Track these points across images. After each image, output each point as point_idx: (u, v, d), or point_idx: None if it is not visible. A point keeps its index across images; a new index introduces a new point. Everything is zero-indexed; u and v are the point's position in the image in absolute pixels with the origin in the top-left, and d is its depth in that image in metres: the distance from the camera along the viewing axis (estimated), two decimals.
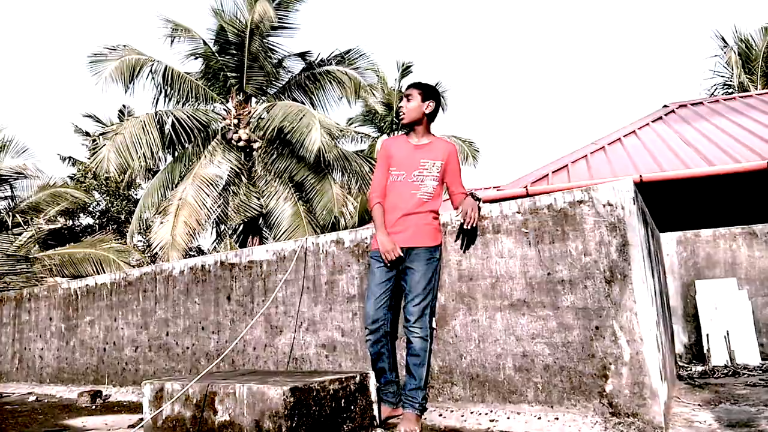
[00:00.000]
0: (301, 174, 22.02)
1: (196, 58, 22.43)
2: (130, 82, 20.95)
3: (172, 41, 22.10)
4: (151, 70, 21.27)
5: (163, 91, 21.79)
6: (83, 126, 36.66)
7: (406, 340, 4.88)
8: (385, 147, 5.36)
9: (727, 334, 8.14)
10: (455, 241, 5.26)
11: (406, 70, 35.72)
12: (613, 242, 4.49)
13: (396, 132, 34.65)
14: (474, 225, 4.90)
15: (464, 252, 5.20)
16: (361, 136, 33.01)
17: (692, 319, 8.71)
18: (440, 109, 5.33)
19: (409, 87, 5.28)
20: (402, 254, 4.99)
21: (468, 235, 5.20)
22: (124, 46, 21.19)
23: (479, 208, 5.07)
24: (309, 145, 19.94)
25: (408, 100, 5.20)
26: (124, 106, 35.77)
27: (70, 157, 35.45)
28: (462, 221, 4.93)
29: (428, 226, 5.04)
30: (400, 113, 5.27)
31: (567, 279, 4.64)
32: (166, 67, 21.41)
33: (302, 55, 23.45)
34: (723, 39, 29.46)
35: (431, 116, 5.23)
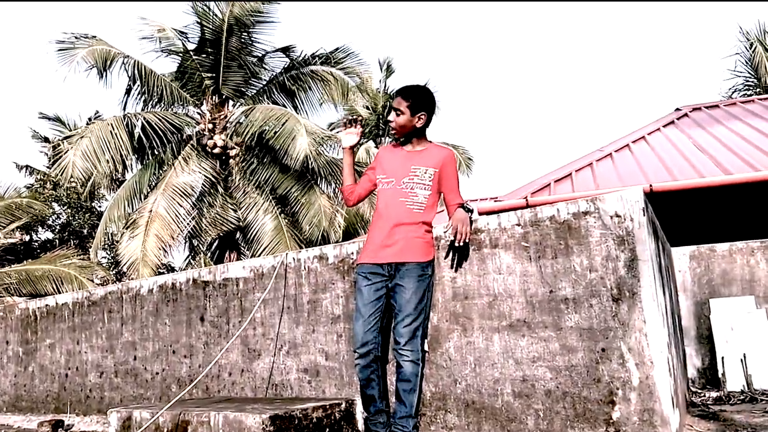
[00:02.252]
0: (284, 184, 21.99)
1: (168, 55, 22.39)
2: (102, 73, 20.92)
3: (151, 41, 22.08)
4: (122, 64, 21.24)
5: (134, 89, 21.76)
6: (42, 131, 36.47)
7: (396, 364, 4.86)
8: (378, 154, 5.42)
9: (744, 357, 8.16)
10: (448, 256, 5.27)
11: (389, 70, 35.72)
12: (621, 257, 4.51)
13: (383, 138, 34.69)
14: (466, 240, 4.89)
15: (459, 268, 5.21)
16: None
17: (706, 340, 8.73)
18: (434, 114, 5.29)
19: (396, 95, 5.23)
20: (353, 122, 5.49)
21: (462, 251, 5.20)
22: (93, 37, 21.11)
23: (471, 221, 5.07)
24: (294, 152, 19.95)
25: (397, 114, 5.15)
26: (96, 112, 35.77)
27: (27, 166, 35.27)
28: (453, 237, 4.92)
29: (419, 240, 5.00)
30: (390, 128, 5.28)
31: (571, 297, 4.65)
32: (137, 62, 21.36)
33: (284, 51, 23.38)
34: (747, 36, 28.61)
35: (424, 127, 5.21)
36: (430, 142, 5.27)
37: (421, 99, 5.16)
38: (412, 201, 5.03)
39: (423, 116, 5.13)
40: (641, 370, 4.31)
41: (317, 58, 23.11)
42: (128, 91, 21.91)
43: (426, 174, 5.08)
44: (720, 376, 8.26)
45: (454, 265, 5.22)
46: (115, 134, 20.58)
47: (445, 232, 5.24)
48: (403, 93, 5.19)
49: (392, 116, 5.19)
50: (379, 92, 35.44)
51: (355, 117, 5.59)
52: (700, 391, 8.16)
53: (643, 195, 4.60)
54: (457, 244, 4.87)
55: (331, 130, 34.13)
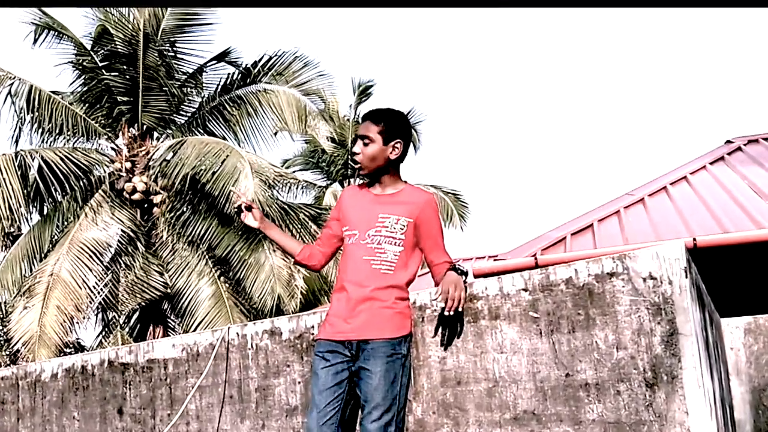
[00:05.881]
0: (226, 240, 21.67)
1: (74, 70, 22.19)
2: None
3: (36, 39, 21.77)
4: (10, 92, 21.05)
5: (27, 121, 21.54)
6: None
7: None
8: (340, 197, 5.36)
9: None
10: (436, 332, 5.26)
11: (364, 93, 35.21)
12: (657, 331, 4.53)
13: (353, 179, 34.39)
14: (460, 309, 4.88)
15: (449, 346, 5.20)
16: (303, 185, 32.51)
17: None
18: (410, 145, 5.13)
19: (365, 120, 5.14)
20: (246, 201, 5.50)
21: (454, 322, 5.17)
22: None
23: (466, 286, 5.05)
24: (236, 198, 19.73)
25: (365, 144, 5.03)
26: None
27: None
28: (443, 304, 4.86)
29: (388, 310, 4.92)
30: (356, 160, 5.16)
31: (593, 382, 4.67)
32: (32, 87, 21.15)
33: (222, 58, 23.35)
34: None
35: (399, 160, 5.13)
36: (406, 182, 5.21)
37: (395, 123, 5.08)
38: (379, 260, 4.95)
39: (398, 145, 5.04)
40: None
41: (264, 69, 22.91)
42: (20, 123, 21.66)
43: (397, 225, 4.99)
44: None
45: (444, 342, 5.20)
46: (4, 179, 20.27)
47: (433, 300, 5.20)
48: (372, 116, 5.10)
49: (358, 147, 5.07)
50: (348, 120, 34.92)
51: (239, 203, 5.66)
52: None
53: (684, 251, 4.64)
54: (447, 313, 4.79)
55: (287, 168, 33.79)
